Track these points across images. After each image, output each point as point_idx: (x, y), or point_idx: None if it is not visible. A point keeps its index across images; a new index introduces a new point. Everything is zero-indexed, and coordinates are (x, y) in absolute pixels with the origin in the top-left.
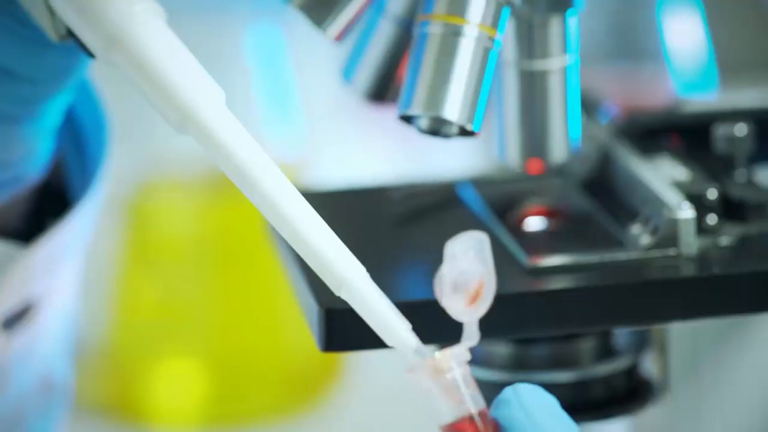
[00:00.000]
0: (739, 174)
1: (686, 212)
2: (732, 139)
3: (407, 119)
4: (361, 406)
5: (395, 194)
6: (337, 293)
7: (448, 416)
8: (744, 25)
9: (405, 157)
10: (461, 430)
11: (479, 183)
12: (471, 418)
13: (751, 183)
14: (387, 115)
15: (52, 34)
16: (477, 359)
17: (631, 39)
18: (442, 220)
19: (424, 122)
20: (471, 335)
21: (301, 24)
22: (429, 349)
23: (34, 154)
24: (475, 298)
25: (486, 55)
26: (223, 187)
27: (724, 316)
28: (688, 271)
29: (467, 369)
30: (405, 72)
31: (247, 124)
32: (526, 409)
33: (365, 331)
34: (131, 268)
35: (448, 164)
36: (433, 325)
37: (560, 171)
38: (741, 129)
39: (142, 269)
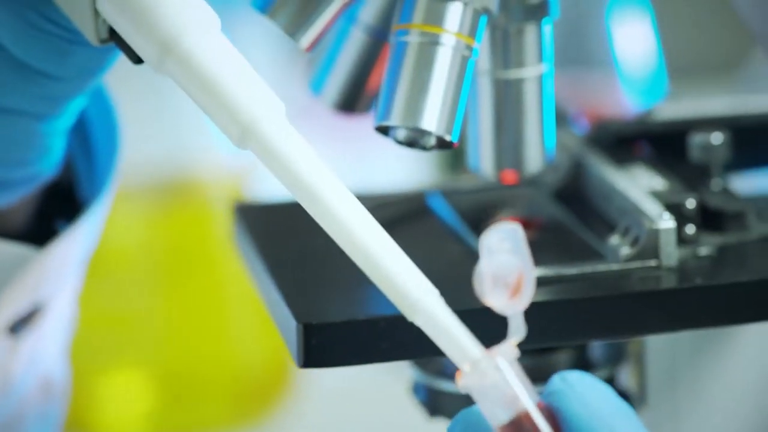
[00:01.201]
0: (715, 183)
1: (667, 222)
2: (708, 148)
3: (383, 130)
4: (310, 416)
5: (363, 205)
6: (410, 319)
7: (504, 416)
8: (693, 30)
9: (347, 160)
10: (519, 428)
11: (449, 193)
12: (527, 415)
13: (727, 192)
14: (332, 120)
15: (92, 37)
16: (450, 372)
17: (580, 44)
18: (413, 232)
19: (401, 133)
20: (517, 329)
21: (245, 28)
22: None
23: (49, 153)
24: (516, 291)
25: (464, 64)
26: (171, 198)
27: (707, 327)
28: (670, 282)
29: (517, 364)
30: (374, 82)
31: (194, 130)
32: (582, 399)
33: (344, 346)
34: None
35: (393, 169)
36: (411, 342)
37: (531, 180)
38: (717, 137)
39: (88, 279)
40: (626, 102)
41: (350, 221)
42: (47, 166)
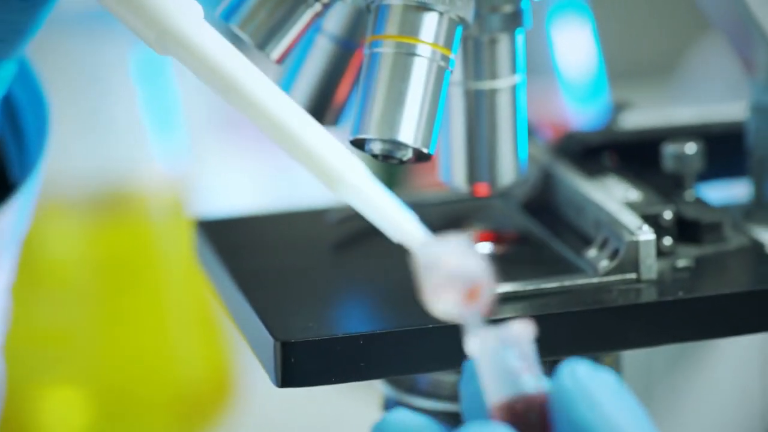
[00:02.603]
0: (688, 193)
1: (647, 234)
2: (681, 158)
3: (358, 144)
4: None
5: (330, 218)
6: (334, 192)
7: (501, 395)
8: (626, 35)
9: (272, 175)
10: (516, 409)
11: (413, 205)
12: (531, 398)
13: (701, 202)
14: (256, 133)
15: None
16: (422, 389)
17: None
18: (381, 246)
19: (377, 146)
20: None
21: None
22: (436, 240)
23: None
24: (471, 296)
25: (440, 75)
26: (109, 211)
27: (690, 340)
28: (652, 295)
29: (530, 346)
30: (341, 94)
31: (131, 141)
32: (591, 400)
33: (323, 365)
34: (14, 293)
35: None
36: (391, 359)
37: (499, 192)
38: (691, 147)
39: (26, 294)
40: (569, 109)
41: (273, 105)
42: None
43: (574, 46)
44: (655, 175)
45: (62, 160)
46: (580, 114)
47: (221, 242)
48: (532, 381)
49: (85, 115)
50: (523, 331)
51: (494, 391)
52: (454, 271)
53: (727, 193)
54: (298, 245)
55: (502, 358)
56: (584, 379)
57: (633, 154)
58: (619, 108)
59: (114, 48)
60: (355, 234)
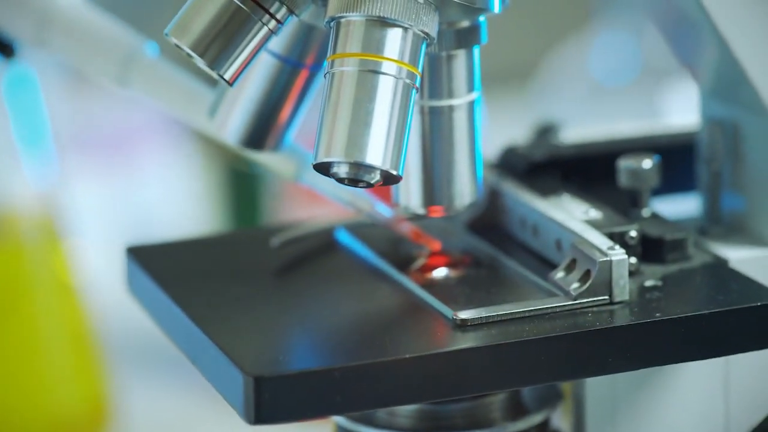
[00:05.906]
0: (645, 210)
1: (619, 254)
2: (637, 173)
3: (323, 168)
4: None
5: (275, 241)
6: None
7: None
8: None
9: (126, 198)
10: None
11: (353, 227)
12: None
13: (660, 218)
14: (110, 155)
15: None
16: (377, 420)
17: None
18: (330, 270)
19: (343, 170)
20: None
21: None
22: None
23: None
24: None
25: (406, 92)
26: None
27: (669, 363)
28: (628, 317)
29: None
30: (284, 114)
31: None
32: None
33: (298, 400)
34: None
35: (172, 207)
36: (366, 392)
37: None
38: (647, 162)
39: None
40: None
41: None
42: None
43: None
44: (604, 190)
45: None
46: None
47: (158, 271)
48: None
49: None
50: None
51: None
52: None
53: (673, 208)
54: (241, 271)
55: None
56: None
57: (578, 170)
58: (545, 130)
59: None
60: (298, 258)
